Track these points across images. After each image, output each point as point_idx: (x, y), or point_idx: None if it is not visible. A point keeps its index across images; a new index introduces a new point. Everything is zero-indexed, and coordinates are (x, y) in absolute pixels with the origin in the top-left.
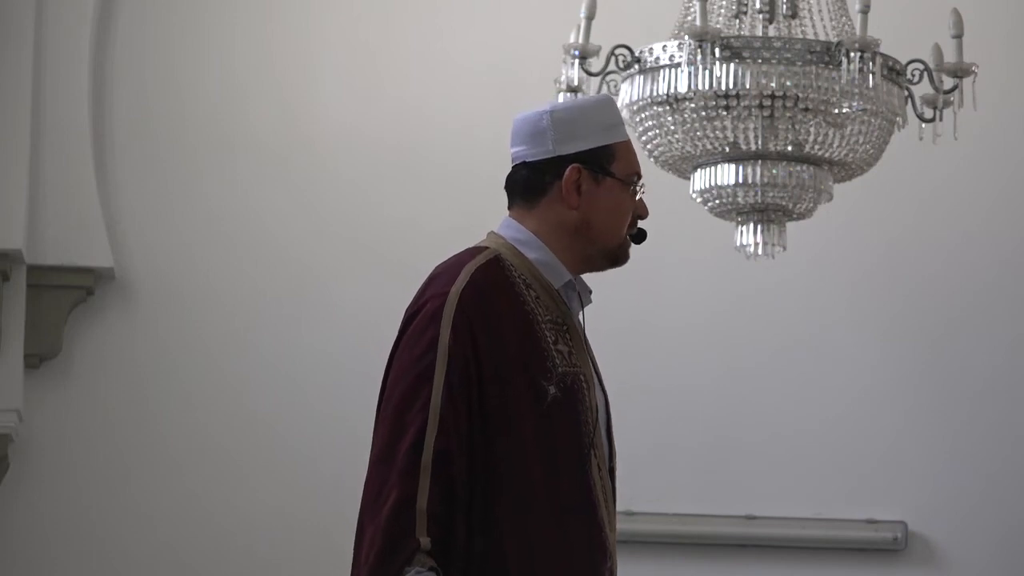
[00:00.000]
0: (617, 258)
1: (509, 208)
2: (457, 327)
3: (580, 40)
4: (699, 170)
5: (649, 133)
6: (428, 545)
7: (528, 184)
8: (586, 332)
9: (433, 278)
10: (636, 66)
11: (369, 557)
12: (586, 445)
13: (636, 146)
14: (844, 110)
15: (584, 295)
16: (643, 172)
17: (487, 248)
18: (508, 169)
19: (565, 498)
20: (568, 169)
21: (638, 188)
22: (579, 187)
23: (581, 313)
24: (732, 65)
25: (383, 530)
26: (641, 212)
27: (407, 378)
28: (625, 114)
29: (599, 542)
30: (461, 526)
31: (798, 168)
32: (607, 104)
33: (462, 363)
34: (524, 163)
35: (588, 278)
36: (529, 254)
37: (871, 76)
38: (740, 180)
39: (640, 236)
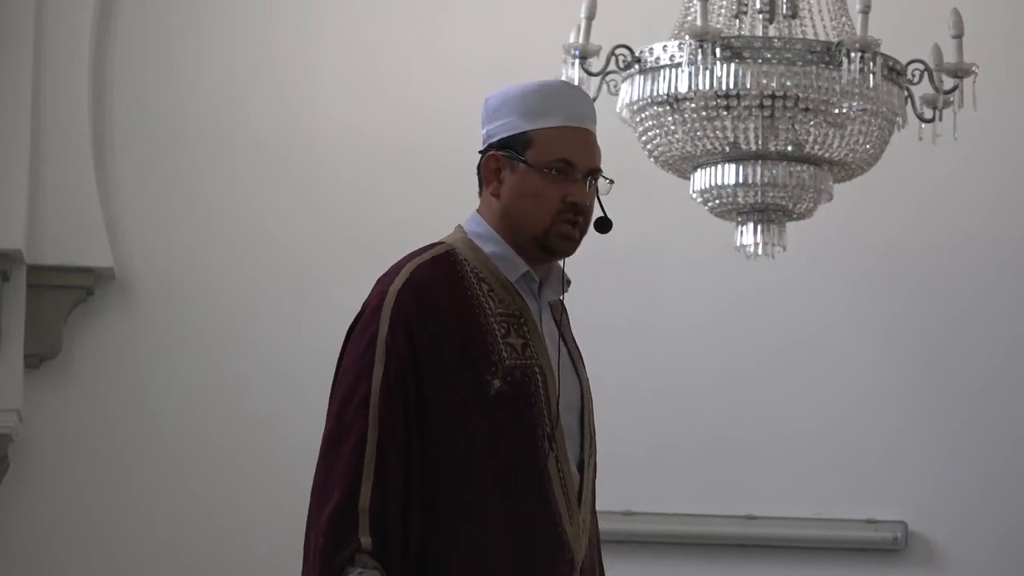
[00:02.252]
0: (547, 247)
1: None
2: (394, 324)
3: (580, 40)
4: (699, 170)
5: (649, 133)
6: (369, 545)
7: (477, 173)
8: (567, 323)
9: (381, 276)
10: (636, 66)
11: (313, 558)
12: (540, 437)
13: (636, 146)
14: (844, 110)
15: (554, 286)
16: (641, 171)
17: (441, 243)
18: None
19: (517, 492)
20: (485, 157)
21: (570, 175)
22: (499, 174)
23: (562, 298)
24: (732, 65)
25: (324, 532)
26: (575, 199)
27: (350, 375)
28: (625, 114)
29: (553, 536)
30: (404, 523)
31: (798, 168)
32: (539, 90)
33: (398, 361)
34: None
35: (579, 273)
36: (485, 248)
37: (871, 76)
38: (740, 180)
39: (602, 225)
